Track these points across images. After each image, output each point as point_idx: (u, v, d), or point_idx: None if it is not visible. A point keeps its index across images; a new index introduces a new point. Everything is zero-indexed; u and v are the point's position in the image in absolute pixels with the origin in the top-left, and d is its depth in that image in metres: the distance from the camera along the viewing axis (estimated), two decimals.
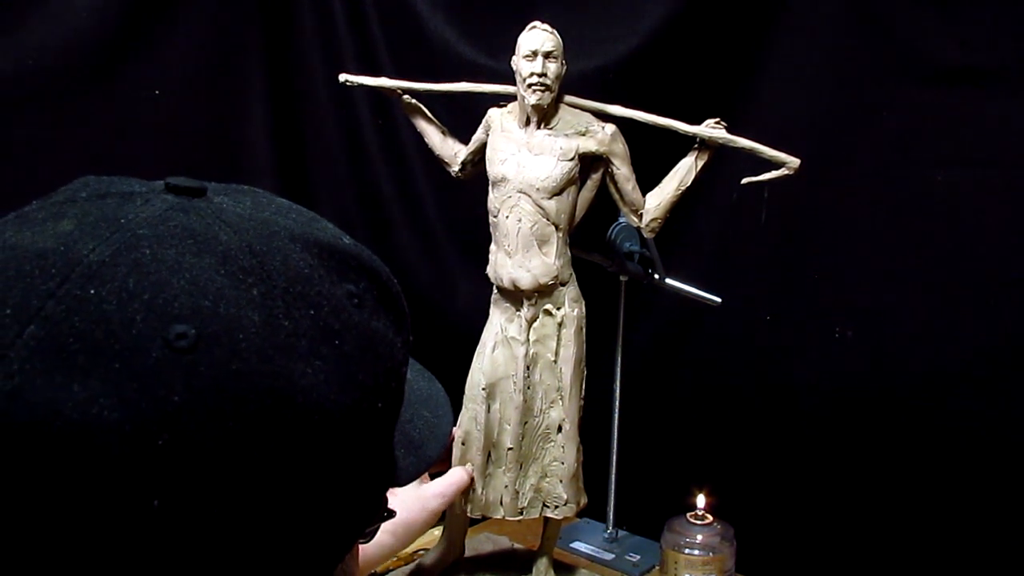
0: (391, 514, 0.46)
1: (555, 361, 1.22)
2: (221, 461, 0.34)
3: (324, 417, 0.36)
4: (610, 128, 1.20)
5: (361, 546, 0.77)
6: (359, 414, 0.39)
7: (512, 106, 1.23)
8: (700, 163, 1.20)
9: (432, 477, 1.09)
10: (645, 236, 1.26)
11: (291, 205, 0.44)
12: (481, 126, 1.25)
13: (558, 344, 1.21)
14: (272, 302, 0.37)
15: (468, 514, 1.25)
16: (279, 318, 0.36)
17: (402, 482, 0.46)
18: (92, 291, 0.35)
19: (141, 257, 0.36)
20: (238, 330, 0.35)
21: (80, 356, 0.34)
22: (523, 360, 1.20)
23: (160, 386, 0.34)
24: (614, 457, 1.44)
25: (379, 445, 0.42)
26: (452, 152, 1.30)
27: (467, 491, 1.21)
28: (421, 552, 1.36)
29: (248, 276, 0.37)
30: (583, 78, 1.38)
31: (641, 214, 1.23)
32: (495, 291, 1.23)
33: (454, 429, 1.22)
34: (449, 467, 1.18)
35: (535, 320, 1.21)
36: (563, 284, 1.21)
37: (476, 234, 1.32)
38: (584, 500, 1.25)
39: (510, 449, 1.21)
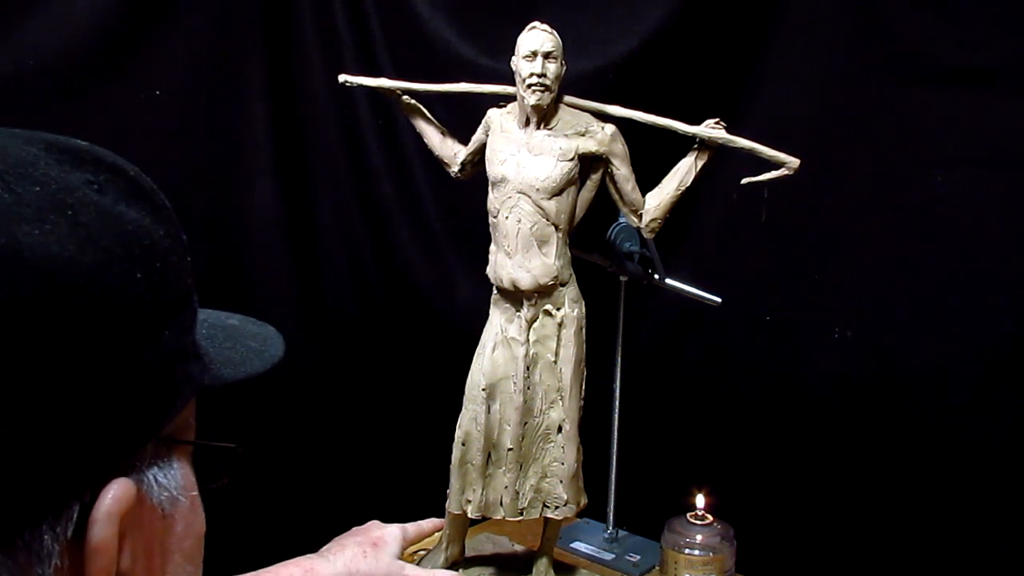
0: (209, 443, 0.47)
1: (555, 361, 1.22)
2: None
3: (63, 267, 0.39)
4: (610, 128, 1.20)
5: None
6: (109, 276, 0.41)
7: (512, 106, 1.23)
8: (700, 163, 1.20)
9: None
10: (645, 236, 1.26)
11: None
12: (481, 126, 1.25)
13: (558, 344, 1.21)
14: None
15: (468, 515, 1.25)
16: None
17: (193, 384, 0.46)
18: None
19: None
20: None
21: None
22: (523, 360, 1.20)
23: None
24: (614, 457, 1.44)
25: (144, 322, 0.43)
26: (451, 152, 1.30)
27: (464, 491, 1.22)
28: (422, 552, 1.37)
29: None
30: (583, 78, 1.38)
31: (641, 214, 1.23)
32: (495, 291, 1.23)
33: (456, 431, 1.23)
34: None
35: (535, 320, 1.21)
36: (563, 284, 1.21)
37: (476, 234, 1.32)
38: (584, 500, 1.25)
39: (510, 449, 1.21)
